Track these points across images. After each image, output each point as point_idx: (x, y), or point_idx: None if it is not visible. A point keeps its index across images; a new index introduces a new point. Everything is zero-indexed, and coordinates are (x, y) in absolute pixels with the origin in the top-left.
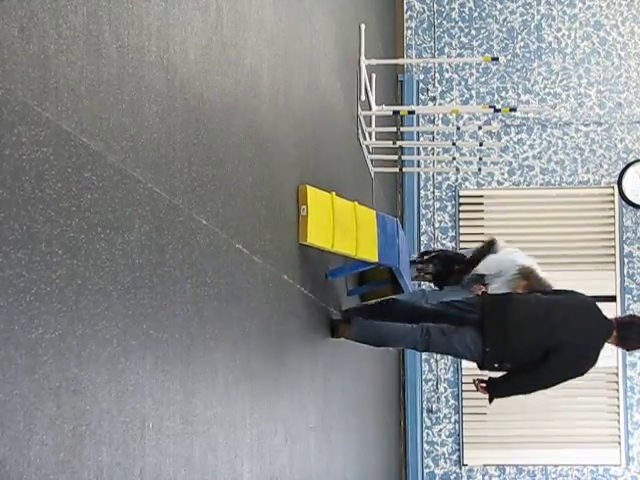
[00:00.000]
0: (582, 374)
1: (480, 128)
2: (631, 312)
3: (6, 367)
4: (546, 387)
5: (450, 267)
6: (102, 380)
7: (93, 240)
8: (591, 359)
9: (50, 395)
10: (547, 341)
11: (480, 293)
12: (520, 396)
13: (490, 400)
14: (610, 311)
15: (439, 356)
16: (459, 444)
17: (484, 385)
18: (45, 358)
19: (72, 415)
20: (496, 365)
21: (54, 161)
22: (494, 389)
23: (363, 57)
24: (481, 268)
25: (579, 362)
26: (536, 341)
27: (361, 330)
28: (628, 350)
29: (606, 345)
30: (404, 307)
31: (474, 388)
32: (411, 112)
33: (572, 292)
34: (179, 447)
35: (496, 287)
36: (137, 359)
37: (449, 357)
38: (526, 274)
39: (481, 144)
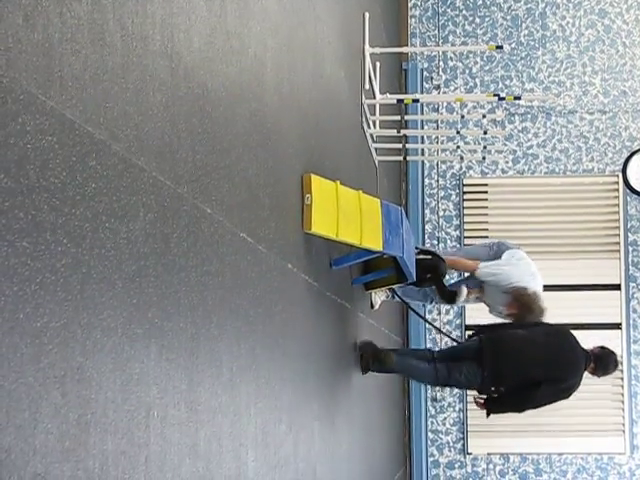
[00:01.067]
0: (568, 397)
1: (484, 116)
2: (604, 345)
3: (11, 356)
4: (536, 408)
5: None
6: (107, 369)
7: (98, 229)
8: (575, 386)
9: (55, 384)
10: (537, 375)
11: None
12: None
13: (487, 415)
14: (615, 300)
15: (443, 344)
16: (463, 433)
17: (482, 402)
18: (50, 347)
19: (77, 404)
20: (492, 388)
21: (58, 150)
22: (491, 406)
23: (367, 45)
24: (482, 274)
25: (565, 390)
26: (527, 374)
27: (399, 363)
28: (599, 377)
29: (610, 333)
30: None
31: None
32: (415, 100)
33: (556, 328)
34: (184, 436)
35: (487, 293)
36: (142, 348)
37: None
38: (517, 296)
39: (485, 132)
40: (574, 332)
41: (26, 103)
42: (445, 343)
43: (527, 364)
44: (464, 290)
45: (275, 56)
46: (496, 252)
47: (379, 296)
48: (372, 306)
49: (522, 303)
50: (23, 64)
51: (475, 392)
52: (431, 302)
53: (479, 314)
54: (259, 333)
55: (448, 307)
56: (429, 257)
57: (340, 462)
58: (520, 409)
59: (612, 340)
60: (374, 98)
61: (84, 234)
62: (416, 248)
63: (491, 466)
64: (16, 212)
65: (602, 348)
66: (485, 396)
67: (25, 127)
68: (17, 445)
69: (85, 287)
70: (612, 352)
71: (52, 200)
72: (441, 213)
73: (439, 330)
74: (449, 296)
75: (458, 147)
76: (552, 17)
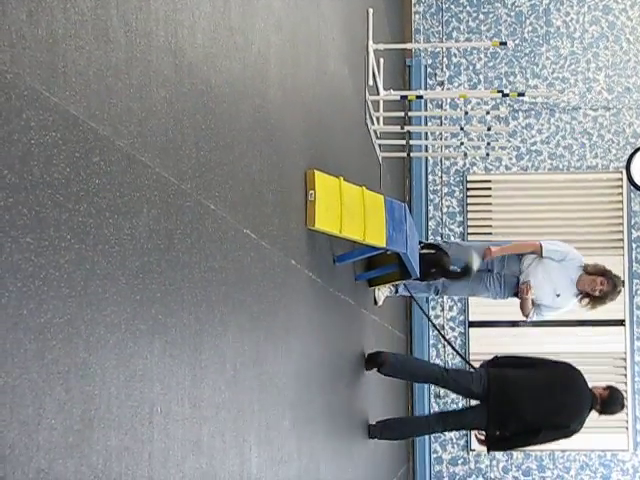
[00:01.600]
0: (570, 437)
1: (488, 113)
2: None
3: (15, 352)
4: (537, 445)
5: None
6: (111, 365)
7: (101, 225)
8: (578, 429)
9: (59, 380)
10: (539, 424)
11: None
12: None
13: (488, 451)
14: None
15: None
16: (467, 435)
17: (483, 439)
18: (54, 343)
19: (81, 400)
20: (497, 433)
21: (62, 146)
22: (493, 445)
23: (371, 42)
24: (547, 250)
25: (567, 434)
26: (530, 423)
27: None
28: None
29: (614, 329)
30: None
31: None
32: (419, 97)
33: (563, 370)
34: (187, 432)
35: (556, 276)
36: (145, 344)
37: (456, 343)
38: (599, 270)
39: (489, 129)
40: (579, 329)
41: (30, 99)
42: (448, 357)
43: (530, 413)
44: (473, 254)
45: (279, 52)
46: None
47: (382, 292)
48: (375, 302)
49: (607, 276)
50: (27, 60)
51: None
52: (437, 293)
53: (483, 309)
54: (263, 329)
55: (451, 303)
56: (432, 252)
57: (344, 459)
58: (521, 448)
59: (616, 336)
60: (378, 94)
61: (88, 230)
62: (420, 242)
63: (494, 462)
64: (20, 208)
65: (608, 389)
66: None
67: (29, 123)
68: (21, 441)
69: (89, 283)
70: (618, 393)
71: (56, 196)
72: (445, 209)
73: (447, 341)
74: (463, 272)
75: (462, 143)
76: (556, 13)
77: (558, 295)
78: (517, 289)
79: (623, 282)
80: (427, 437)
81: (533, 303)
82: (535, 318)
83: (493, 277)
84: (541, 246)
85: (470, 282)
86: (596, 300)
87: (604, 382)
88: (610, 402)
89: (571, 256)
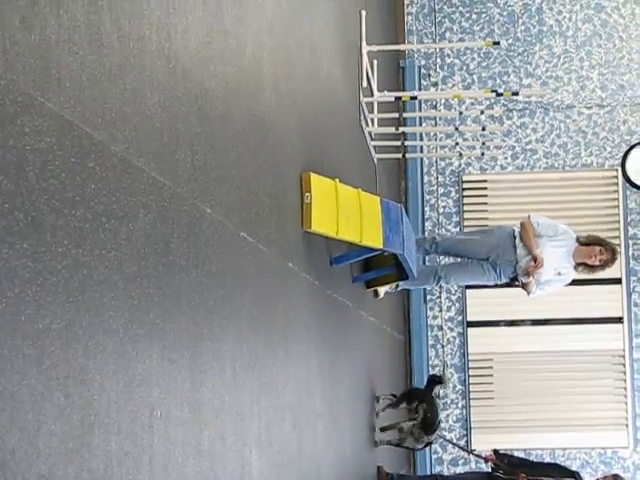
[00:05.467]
0: None
1: (482, 113)
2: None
3: (14, 357)
4: None
5: None
6: (109, 370)
7: (98, 230)
8: None
9: (58, 385)
10: None
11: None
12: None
13: None
14: (616, 294)
15: (446, 341)
16: (467, 429)
17: None
18: (52, 348)
19: (80, 405)
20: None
21: (57, 151)
22: None
23: (364, 43)
24: (540, 229)
25: None
26: None
27: None
28: None
29: (612, 327)
30: None
31: (480, 373)
32: (413, 98)
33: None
34: (188, 436)
35: (554, 252)
36: (144, 349)
37: (455, 343)
38: (596, 239)
39: (484, 129)
40: (577, 327)
41: (24, 105)
42: (447, 357)
43: None
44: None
45: (272, 55)
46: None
47: (383, 286)
48: (376, 295)
49: (604, 244)
50: (21, 66)
51: None
52: (437, 282)
53: (481, 309)
54: (261, 332)
55: (449, 303)
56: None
57: (344, 460)
58: None
59: (614, 334)
60: (372, 96)
61: (84, 235)
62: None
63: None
64: (16, 214)
65: (616, 476)
66: None
67: (24, 129)
68: (21, 447)
69: (86, 288)
70: None
71: (52, 201)
72: (441, 210)
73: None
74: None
75: (457, 144)
76: (548, 12)
77: (559, 273)
78: (514, 274)
79: (620, 277)
80: None
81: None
82: (538, 294)
83: (489, 265)
84: (531, 223)
85: (470, 268)
86: (595, 268)
87: (606, 381)
88: None
89: (561, 229)
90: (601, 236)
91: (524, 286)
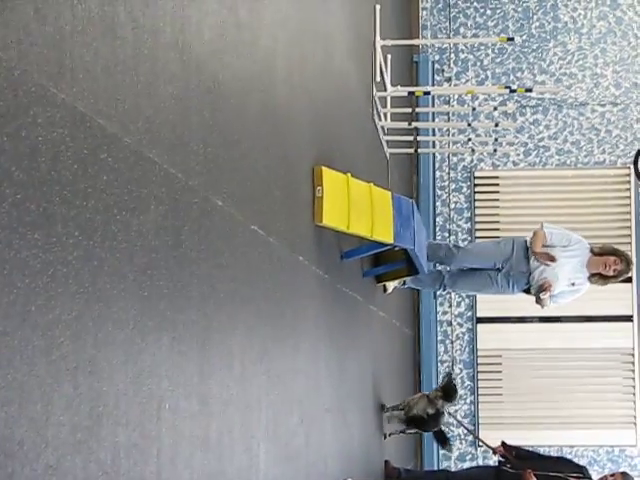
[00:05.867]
0: None
1: (496, 109)
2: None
3: (23, 348)
4: None
5: None
6: (118, 361)
7: (109, 221)
8: None
9: (67, 376)
10: None
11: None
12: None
13: None
14: (626, 292)
15: (455, 337)
16: (475, 425)
17: None
18: (62, 339)
19: (89, 396)
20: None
21: (70, 142)
22: None
23: (378, 38)
24: (553, 238)
25: None
26: None
27: None
28: None
29: (622, 325)
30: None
31: (489, 369)
32: (426, 93)
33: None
34: (195, 428)
35: (568, 263)
36: (153, 340)
37: (464, 339)
38: (610, 250)
39: (497, 125)
40: (586, 325)
41: (37, 95)
42: (456, 353)
43: None
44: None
45: (286, 48)
46: (505, 245)
47: (392, 282)
48: (385, 290)
49: (618, 254)
50: (34, 57)
51: None
52: (440, 288)
53: (491, 305)
54: (270, 325)
55: (459, 299)
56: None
57: (351, 454)
58: None
59: (624, 332)
60: (385, 90)
61: (95, 227)
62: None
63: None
64: (28, 204)
65: (622, 477)
66: None
67: (36, 119)
68: (29, 437)
69: (97, 280)
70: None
71: (63, 192)
72: (452, 206)
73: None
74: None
75: (469, 139)
76: (563, 9)
77: (573, 284)
78: (527, 286)
79: (631, 276)
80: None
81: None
82: (551, 305)
83: (501, 276)
84: (544, 233)
85: (477, 280)
86: (609, 278)
87: (615, 379)
88: None
89: (574, 239)
90: (615, 246)
91: (538, 300)
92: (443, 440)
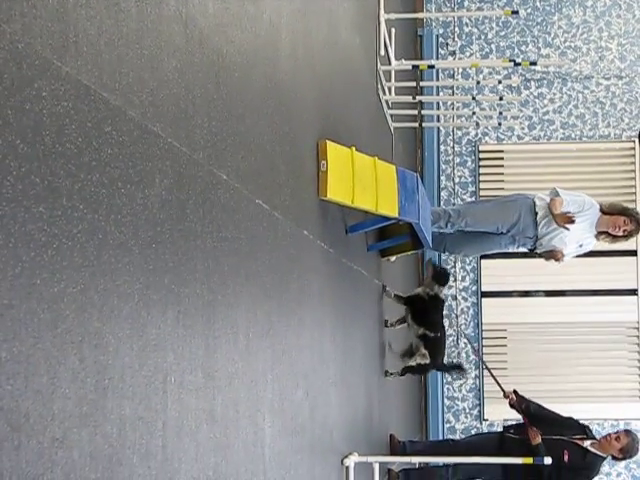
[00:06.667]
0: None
1: (500, 82)
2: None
3: (29, 321)
4: None
5: None
6: (124, 334)
7: (114, 195)
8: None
9: (73, 349)
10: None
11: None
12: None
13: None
14: (631, 266)
15: (459, 311)
16: (480, 399)
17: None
18: (67, 312)
19: (95, 369)
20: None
21: (74, 116)
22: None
23: (382, 11)
24: (570, 207)
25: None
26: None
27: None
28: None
29: (627, 299)
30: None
31: (494, 343)
32: (431, 67)
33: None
34: (201, 401)
35: (579, 227)
36: (158, 314)
37: (469, 313)
38: (622, 210)
39: (501, 98)
40: (591, 299)
41: (41, 69)
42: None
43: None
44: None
45: (290, 22)
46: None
47: None
48: (389, 259)
49: (628, 214)
50: (38, 29)
51: None
52: (443, 251)
53: (496, 280)
54: (275, 299)
55: (464, 274)
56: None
57: (357, 428)
58: None
59: (629, 306)
60: (389, 64)
61: (100, 200)
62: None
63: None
64: (32, 178)
65: (626, 436)
66: None
67: (40, 93)
68: (36, 410)
69: (102, 253)
70: (634, 442)
71: (68, 166)
72: (457, 180)
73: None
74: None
75: (474, 113)
76: None
77: (581, 245)
78: (533, 247)
79: (636, 250)
80: (440, 406)
81: None
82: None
83: (506, 239)
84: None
85: (480, 243)
86: (618, 238)
87: (619, 352)
88: (627, 450)
89: (587, 204)
90: (625, 205)
91: (546, 259)
92: (456, 367)
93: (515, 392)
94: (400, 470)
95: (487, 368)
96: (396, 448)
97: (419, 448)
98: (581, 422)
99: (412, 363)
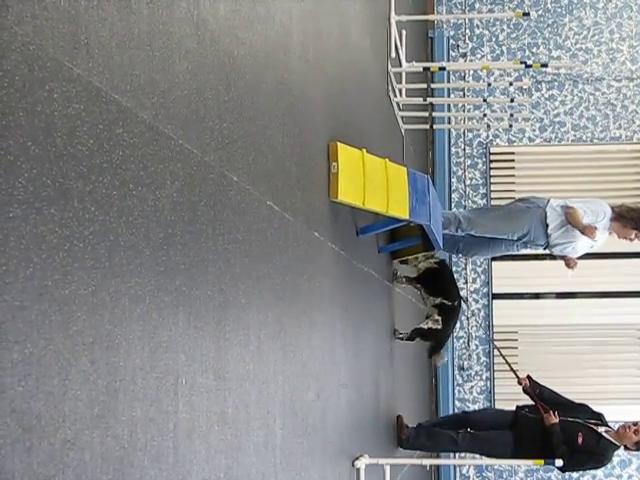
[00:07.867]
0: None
1: (511, 84)
2: None
3: (40, 323)
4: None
5: None
6: (135, 336)
7: (125, 197)
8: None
9: (84, 351)
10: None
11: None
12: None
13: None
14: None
15: (470, 313)
16: (490, 401)
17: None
18: (79, 314)
19: (106, 371)
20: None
21: (85, 117)
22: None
23: (393, 13)
24: (588, 218)
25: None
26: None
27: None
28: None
29: (635, 301)
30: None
31: (505, 345)
32: (442, 68)
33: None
34: (212, 403)
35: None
36: (170, 316)
37: (480, 315)
38: (617, 215)
39: (512, 100)
40: (603, 301)
41: (53, 70)
42: (472, 329)
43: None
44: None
45: (301, 24)
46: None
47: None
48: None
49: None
50: (50, 31)
51: None
52: (457, 253)
53: (507, 282)
54: (286, 301)
55: (475, 275)
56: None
57: (367, 429)
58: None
59: (637, 308)
60: (400, 66)
61: (112, 202)
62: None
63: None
64: (44, 180)
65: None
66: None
67: (52, 94)
68: (47, 411)
69: (113, 255)
70: None
71: (79, 168)
72: (468, 182)
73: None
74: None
75: (485, 115)
76: None
77: (592, 247)
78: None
79: None
80: (451, 408)
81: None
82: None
83: (517, 245)
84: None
85: (492, 248)
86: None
87: (629, 354)
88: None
89: (600, 214)
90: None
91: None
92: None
93: (529, 377)
94: (412, 427)
95: (501, 354)
96: (402, 429)
97: (433, 423)
98: (596, 410)
99: (423, 326)
